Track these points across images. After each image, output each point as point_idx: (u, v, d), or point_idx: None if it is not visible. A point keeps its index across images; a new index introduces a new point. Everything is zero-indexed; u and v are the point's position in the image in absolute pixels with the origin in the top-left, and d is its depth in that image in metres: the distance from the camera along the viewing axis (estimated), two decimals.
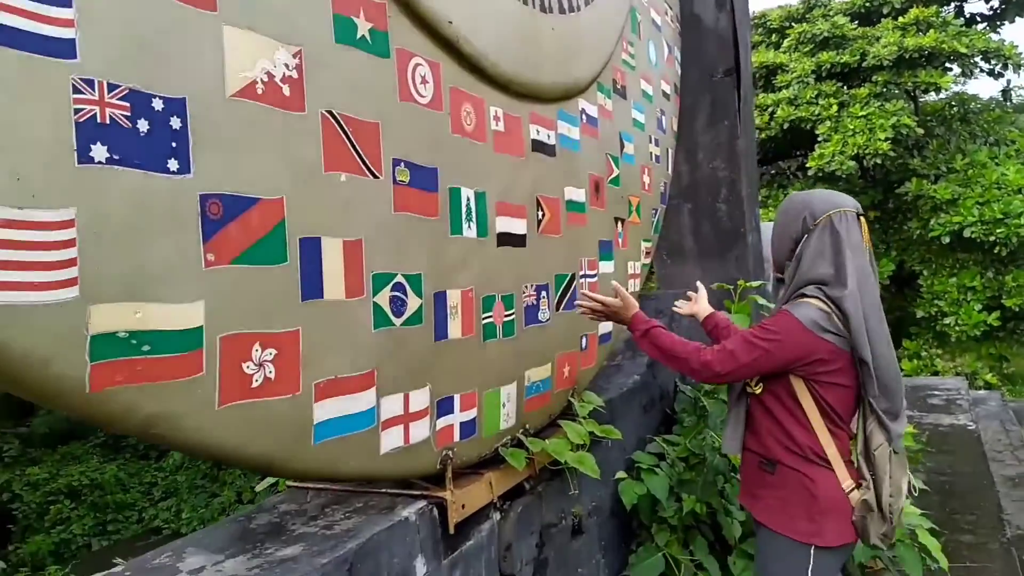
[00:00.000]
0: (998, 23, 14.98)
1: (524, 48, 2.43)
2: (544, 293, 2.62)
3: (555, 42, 2.64)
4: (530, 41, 2.47)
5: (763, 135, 13.80)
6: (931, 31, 12.62)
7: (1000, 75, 13.72)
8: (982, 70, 13.59)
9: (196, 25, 1.33)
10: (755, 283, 3.71)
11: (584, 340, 2.97)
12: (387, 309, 1.83)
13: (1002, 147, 12.71)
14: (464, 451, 2.19)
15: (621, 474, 3.12)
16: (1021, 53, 12.90)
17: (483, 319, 2.24)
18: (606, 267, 3.17)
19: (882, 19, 14.28)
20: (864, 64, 13.24)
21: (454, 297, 2.10)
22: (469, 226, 2.16)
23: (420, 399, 1.97)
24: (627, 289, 3.53)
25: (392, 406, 1.87)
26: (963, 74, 14.14)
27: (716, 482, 3.20)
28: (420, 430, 1.98)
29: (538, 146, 2.57)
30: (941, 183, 12.16)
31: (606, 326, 3.18)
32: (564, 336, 2.78)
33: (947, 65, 12.93)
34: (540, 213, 2.58)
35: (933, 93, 14.92)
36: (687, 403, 3.77)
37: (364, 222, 1.75)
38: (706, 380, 2.15)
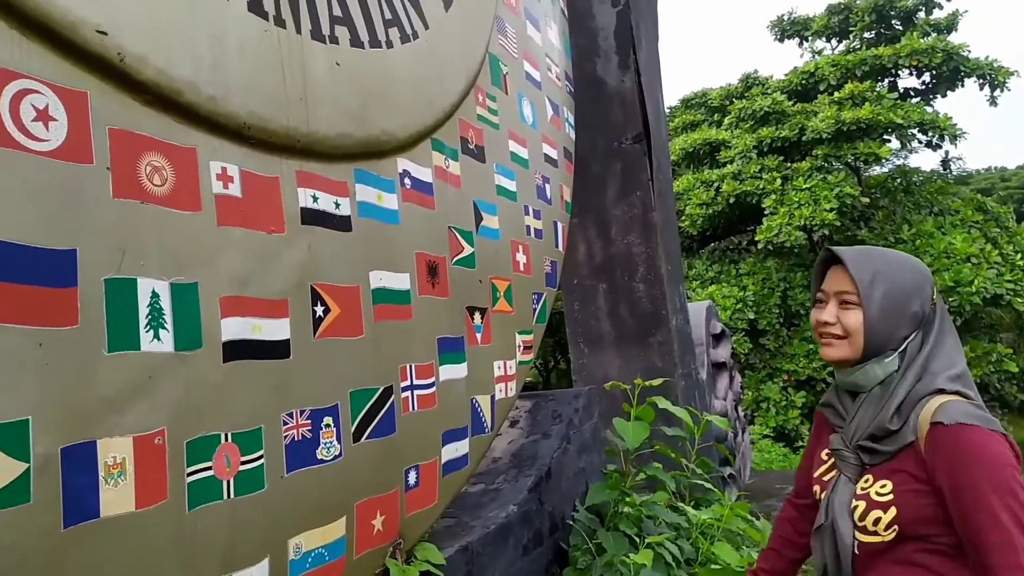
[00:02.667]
0: (931, 97, 15.14)
1: (277, 85, 1.77)
2: (328, 420, 1.87)
3: (341, 82, 1.99)
4: (290, 77, 1.81)
5: (710, 210, 13.53)
6: (866, 104, 12.60)
7: (938, 146, 13.73)
8: (920, 142, 13.59)
9: None
10: (656, 381, 3.00)
11: (412, 474, 2.21)
12: None
13: (947, 216, 12.53)
14: None
15: None
16: (956, 124, 12.91)
17: (189, 475, 1.48)
18: (452, 371, 2.44)
19: (818, 95, 14.35)
20: (804, 139, 13.17)
21: (115, 448, 1.34)
22: (155, 335, 1.42)
23: None
24: (499, 394, 2.81)
25: None
26: (902, 147, 14.15)
27: None
28: None
29: (314, 217, 1.87)
30: None
31: (454, 447, 2.43)
32: (371, 474, 2.02)
33: (885, 137, 12.88)
34: (318, 308, 1.86)
35: (876, 166, 14.89)
36: (581, 537, 2.99)
37: None
38: None
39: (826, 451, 1.66)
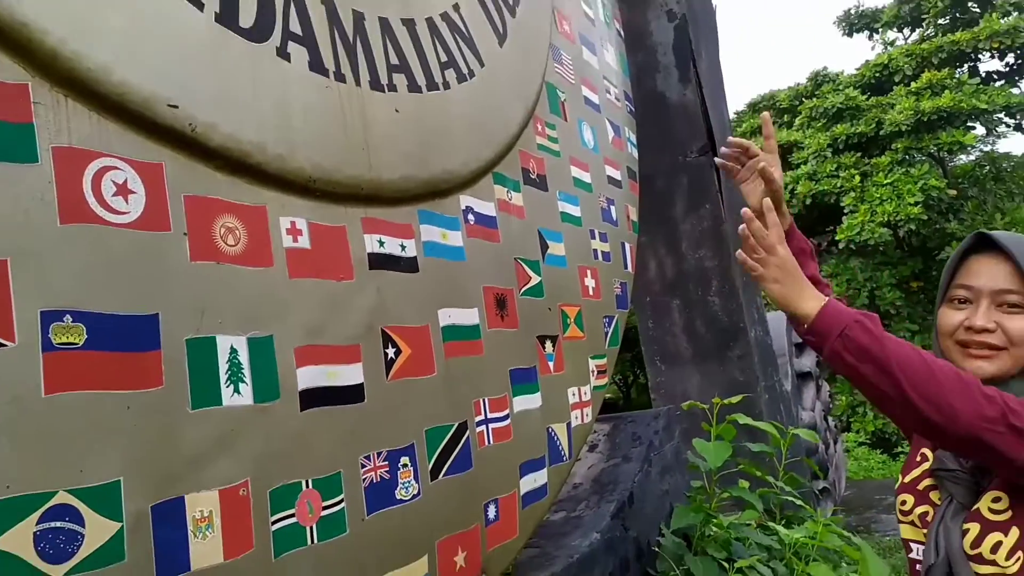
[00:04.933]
0: (1016, 79, 14.32)
1: (339, 137, 1.82)
2: (405, 459, 1.90)
3: (401, 128, 2.03)
4: (351, 128, 1.86)
5: None
6: (946, 92, 12.02)
7: None
8: (1008, 126, 12.85)
9: None
10: (735, 398, 2.92)
11: (491, 508, 2.21)
12: (31, 554, 1.14)
13: None
14: None
15: None
16: None
17: (273, 524, 1.52)
18: (526, 402, 2.44)
19: (894, 87, 13.79)
20: (881, 133, 12.65)
21: (203, 503, 1.39)
22: (235, 389, 1.48)
23: None
24: (575, 421, 2.80)
25: None
26: (988, 133, 13.44)
27: None
28: None
29: (381, 261, 1.92)
30: None
31: (532, 478, 2.42)
32: (451, 511, 2.03)
33: (969, 124, 12.25)
34: (390, 350, 1.89)
35: (961, 155, 14.19)
36: (668, 563, 2.92)
37: None
38: (989, 440, 1.14)
39: (928, 465, 1.37)
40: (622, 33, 4.01)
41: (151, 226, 1.38)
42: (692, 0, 4.80)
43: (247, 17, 1.63)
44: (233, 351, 1.49)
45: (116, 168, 1.34)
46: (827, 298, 1.29)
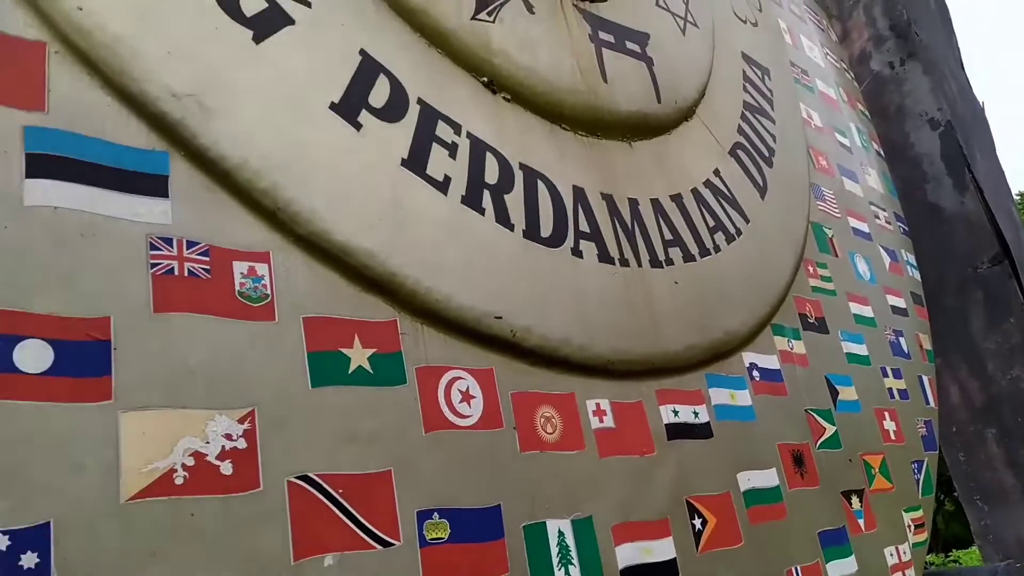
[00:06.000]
0: None
1: (629, 318, 1.97)
2: None
3: (682, 298, 2.14)
4: (639, 308, 2.01)
5: None
6: None
7: None
8: None
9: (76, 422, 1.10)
10: None
11: None
12: None
13: None
14: None
15: None
16: None
17: None
18: (841, 567, 2.26)
19: None
20: None
21: None
22: (565, 571, 1.58)
23: None
24: None
25: None
26: None
27: None
28: None
29: (678, 431, 1.97)
30: None
31: None
32: None
33: None
34: (696, 521, 1.90)
35: None
36: None
37: None
38: None
39: None
40: (881, 152, 3.87)
41: (489, 425, 1.58)
42: (955, 103, 4.51)
43: (546, 227, 1.88)
44: (560, 534, 1.61)
45: (461, 378, 1.58)
46: None
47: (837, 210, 3.15)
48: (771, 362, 2.40)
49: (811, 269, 2.81)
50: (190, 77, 1.36)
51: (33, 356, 1.07)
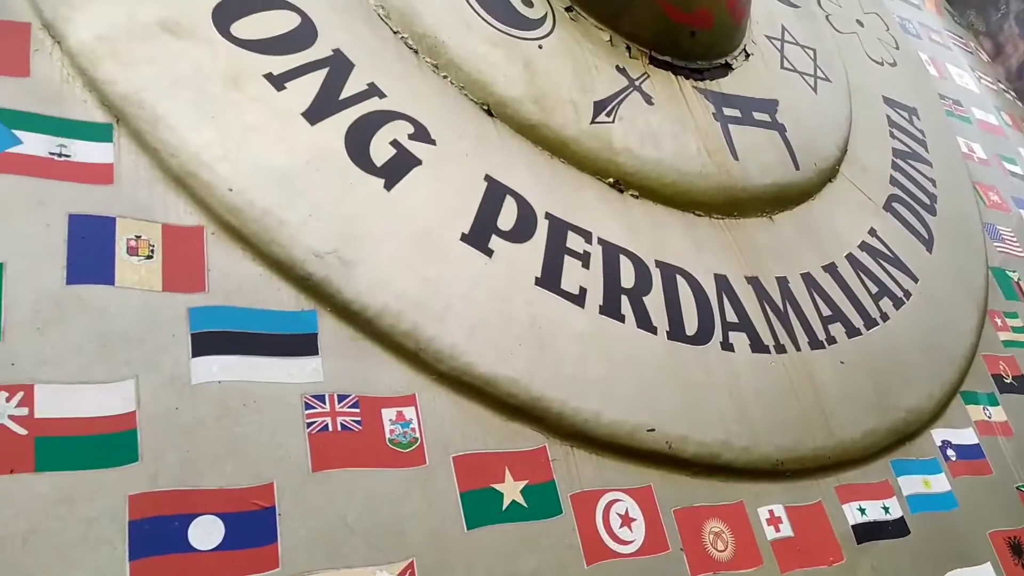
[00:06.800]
0: None
1: (794, 411, 1.82)
2: None
3: (850, 377, 1.96)
4: (804, 396, 1.85)
5: None
6: None
7: None
8: None
9: None
10: None
11: None
12: None
13: None
14: None
15: None
16: None
17: None
18: None
19: None
20: None
21: None
22: None
23: None
24: None
25: None
26: None
27: None
28: None
29: (867, 531, 1.78)
30: None
31: None
32: None
33: None
34: None
35: None
36: None
37: None
38: None
39: None
40: None
41: (654, 549, 1.49)
42: None
43: (691, 325, 1.79)
44: None
45: (618, 500, 1.51)
46: None
47: (1020, 248, 2.82)
48: (968, 436, 2.13)
49: (999, 321, 2.51)
50: (330, 234, 1.43)
51: (205, 532, 1.13)
